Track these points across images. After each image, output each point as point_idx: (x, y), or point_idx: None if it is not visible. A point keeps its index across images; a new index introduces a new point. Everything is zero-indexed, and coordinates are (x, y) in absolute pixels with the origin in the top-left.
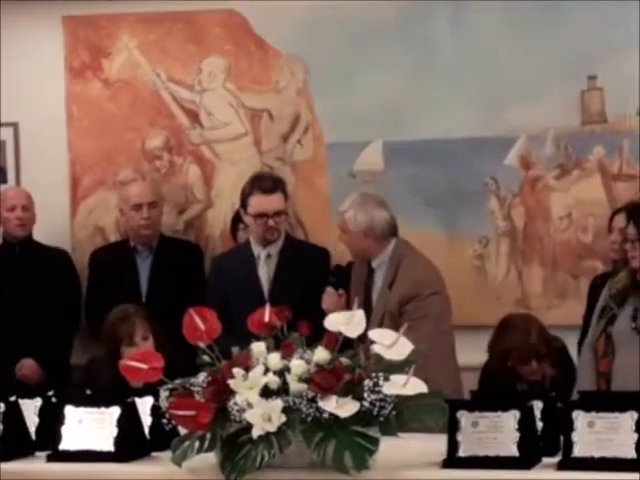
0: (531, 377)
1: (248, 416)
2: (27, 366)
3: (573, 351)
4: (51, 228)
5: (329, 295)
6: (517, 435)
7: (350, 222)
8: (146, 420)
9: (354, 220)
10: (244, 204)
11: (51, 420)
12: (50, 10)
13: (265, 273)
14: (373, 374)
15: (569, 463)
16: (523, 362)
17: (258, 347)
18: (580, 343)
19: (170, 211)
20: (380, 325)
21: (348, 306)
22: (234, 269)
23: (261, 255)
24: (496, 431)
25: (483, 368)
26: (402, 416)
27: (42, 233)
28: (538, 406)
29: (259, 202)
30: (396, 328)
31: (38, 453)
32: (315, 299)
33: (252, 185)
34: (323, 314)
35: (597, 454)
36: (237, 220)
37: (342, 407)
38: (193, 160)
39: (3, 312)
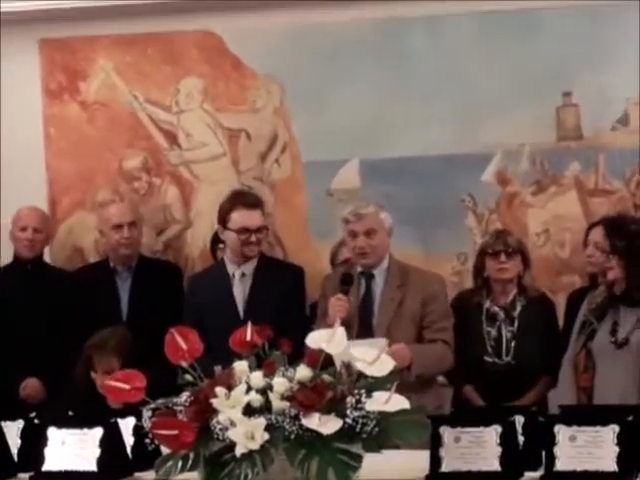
0: (501, 275)
1: (231, 434)
2: (31, 385)
3: None
4: None
5: (343, 302)
6: (499, 450)
7: (385, 220)
8: (128, 440)
9: (385, 217)
10: (223, 220)
11: (34, 441)
12: (26, 33)
13: (240, 292)
14: (355, 391)
15: (551, 477)
16: (494, 256)
17: (240, 366)
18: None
19: (149, 232)
20: (388, 327)
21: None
22: (209, 288)
23: (236, 274)
24: (478, 446)
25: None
26: (385, 432)
27: None
28: (520, 421)
29: (242, 217)
30: (418, 329)
31: (21, 475)
32: (291, 317)
33: (233, 201)
34: (300, 332)
35: (579, 468)
36: (216, 240)
37: (325, 424)
38: (171, 181)
39: (10, 330)
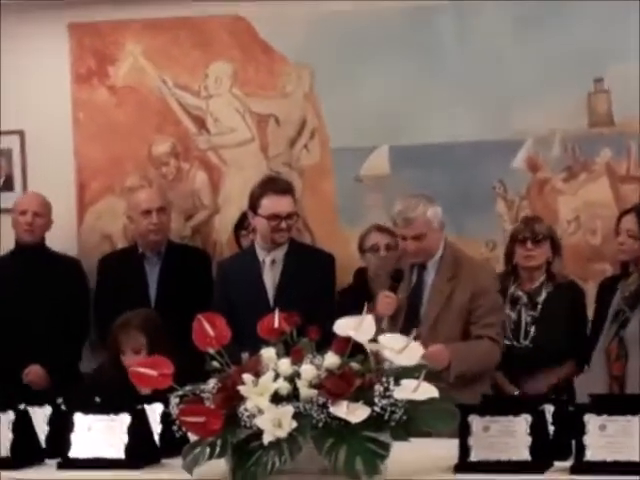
0: (527, 263)
1: (259, 422)
2: (34, 372)
3: None
4: (58, 235)
5: (391, 299)
6: (529, 439)
7: (435, 218)
8: (156, 427)
9: (435, 215)
10: (254, 206)
11: (61, 428)
12: (56, 17)
13: (270, 278)
14: (384, 379)
15: (581, 467)
16: (521, 243)
17: (268, 353)
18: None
19: (177, 217)
20: (435, 320)
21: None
22: (239, 274)
23: (266, 260)
24: (508, 435)
25: None
26: (413, 421)
27: (49, 240)
28: (549, 410)
29: (272, 203)
30: (465, 324)
31: (48, 461)
32: (321, 304)
33: (264, 187)
34: (329, 319)
35: (609, 458)
36: (239, 227)
37: (353, 412)
38: (200, 166)
39: (13, 317)
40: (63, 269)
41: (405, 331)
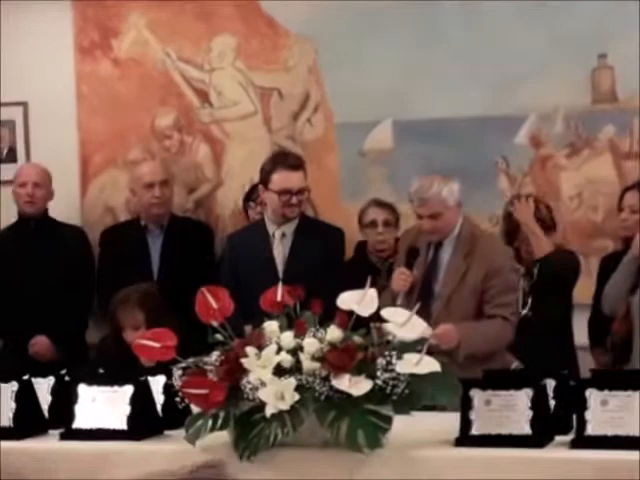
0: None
1: (261, 394)
2: (40, 343)
3: (579, 330)
4: (61, 207)
5: (406, 276)
6: (530, 413)
7: (451, 197)
8: (159, 398)
9: (450, 194)
10: (265, 180)
11: (64, 398)
12: None
13: (280, 252)
14: (386, 352)
15: (582, 441)
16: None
17: (271, 326)
18: (591, 322)
19: (180, 191)
20: (449, 297)
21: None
22: (249, 248)
23: (276, 234)
24: (509, 409)
25: None
26: (415, 394)
27: (52, 212)
28: (551, 384)
29: (283, 178)
30: (479, 302)
31: (51, 431)
32: (330, 278)
33: (275, 162)
34: (338, 294)
35: (610, 432)
36: (248, 198)
37: (355, 385)
38: (203, 139)
39: (18, 288)
40: (67, 238)
41: (419, 308)
